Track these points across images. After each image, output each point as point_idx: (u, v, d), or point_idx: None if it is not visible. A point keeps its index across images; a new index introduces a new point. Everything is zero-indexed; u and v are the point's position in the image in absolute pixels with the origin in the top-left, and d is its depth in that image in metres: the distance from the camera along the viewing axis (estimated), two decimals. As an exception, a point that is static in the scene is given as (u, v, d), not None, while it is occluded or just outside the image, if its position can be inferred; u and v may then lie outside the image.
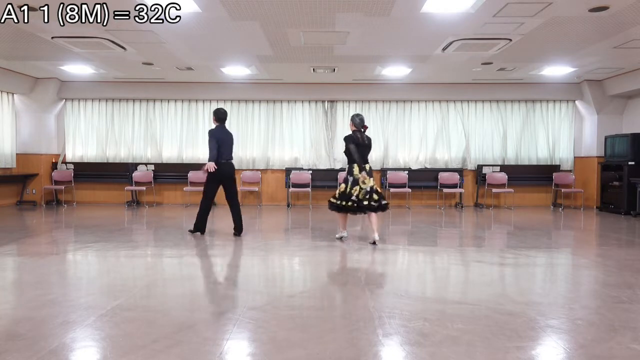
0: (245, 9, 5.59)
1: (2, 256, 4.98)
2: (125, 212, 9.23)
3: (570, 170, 10.64)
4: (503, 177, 10.27)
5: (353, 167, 5.64)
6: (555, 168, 10.60)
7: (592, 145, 10.33)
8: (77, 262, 4.94)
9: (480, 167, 10.48)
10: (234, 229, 6.27)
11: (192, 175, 10.36)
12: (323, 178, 10.37)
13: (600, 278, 4.24)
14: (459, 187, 10.25)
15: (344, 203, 5.63)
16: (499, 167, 10.47)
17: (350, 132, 5.74)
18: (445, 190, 10.15)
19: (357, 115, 5.79)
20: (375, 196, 5.62)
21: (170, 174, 10.60)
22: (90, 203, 10.73)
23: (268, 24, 6.13)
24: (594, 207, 10.18)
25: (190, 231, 6.40)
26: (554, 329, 2.88)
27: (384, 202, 5.68)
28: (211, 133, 6.14)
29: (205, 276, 4.41)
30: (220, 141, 6.10)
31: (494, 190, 10.19)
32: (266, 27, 6.26)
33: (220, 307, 3.36)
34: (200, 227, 6.30)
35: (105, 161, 10.83)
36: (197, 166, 10.54)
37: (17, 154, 10.32)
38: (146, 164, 10.60)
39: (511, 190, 10.12)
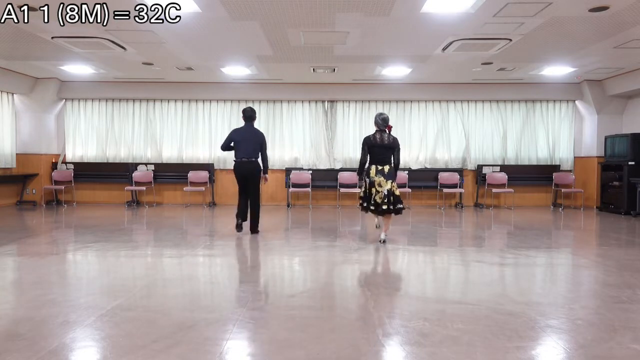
0: (245, 9, 5.59)
1: (2, 256, 4.98)
2: (125, 212, 9.23)
3: (570, 170, 10.64)
4: (503, 177, 10.27)
5: (370, 169, 5.64)
6: (555, 168, 10.59)
7: (592, 145, 10.33)
8: (77, 262, 4.94)
9: (480, 167, 10.48)
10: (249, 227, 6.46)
11: (192, 175, 10.37)
12: (323, 178, 10.37)
13: (600, 278, 4.24)
14: (459, 187, 10.24)
15: (365, 204, 5.68)
16: (499, 167, 10.47)
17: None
18: (445, 190, 10.15)
19: (379, 114, 5.70)
20: (391, 199, 5.53)
21: (170, 174, 10.60)
22: (90, 203, 10.73)
23: (268, 24, 6.13)
24: (594, 207, 10.18)
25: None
26: (554, 329, 2.89)
27: (399, 206, 5.57)
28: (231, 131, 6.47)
29: (205, 276, 4.41)
30: (234, 140, 6.26)
31: (494, 190, 10.19)
32: (266, 27, 6.26)
33: (221, 306, 3.36)
34: (237, 221, 6.37)
35: (105, 161, 10.83)
36: (197, 166, 10.57)
37: (17, 154, 10.31)
38: (146, 164, 10.60)
39: (511, 190, 10.12)
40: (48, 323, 2.90)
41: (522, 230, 7.19)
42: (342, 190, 10.09)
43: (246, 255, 5.27)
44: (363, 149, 5.68)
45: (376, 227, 6.21)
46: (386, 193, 5.49)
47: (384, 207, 5.49)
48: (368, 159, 5.69)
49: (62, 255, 5.22)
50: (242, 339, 2.74)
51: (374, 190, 5.54)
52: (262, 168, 6.36)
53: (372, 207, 5.58)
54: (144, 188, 10.31)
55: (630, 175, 9.07)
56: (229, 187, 10.73)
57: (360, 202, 5.83)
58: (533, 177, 10.57)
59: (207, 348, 2.55)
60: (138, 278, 4.22)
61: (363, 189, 5.77)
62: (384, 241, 5.72)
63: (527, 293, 3.75)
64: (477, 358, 2.45)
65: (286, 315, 3.11)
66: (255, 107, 10.70)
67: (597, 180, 10.10)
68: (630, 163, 9.09)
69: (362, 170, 5.79)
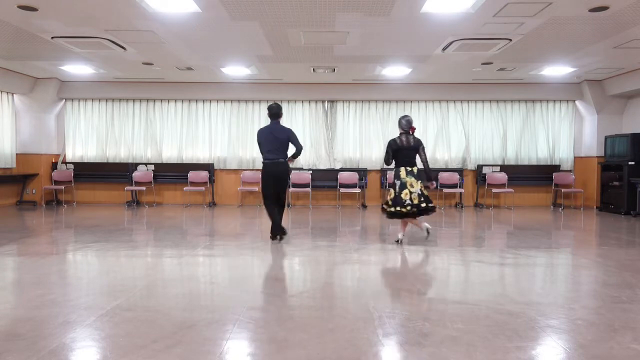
0: (245, 9, 5.59)
1: (2, 256, 4.98)
2: (125, 212, 9.23)
3: (570, 170, 10.64)
4: (503, 177, 10.27)
5: (400, 171, 5.69)
6: (555, 168, 10.60)
7: (592, 145, 10.33)
8: (77, 262, 4.94)
9: (480, 167, 10.48)
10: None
11: (192, 175, 10.37)
12: (323, 178, 10.37)
13: (600, 278, 4.24)
14: (459, 187, 10.25)
15: (400, 209, 5.60)
16: (499, 167, 10.47)
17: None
18: (445, 190, 10.15)
19: (404, 117, 5.78)
20: (422, 198, 5.65)
21: (170, 174, 10.60)
22: (90, 203, 10.73)
23: (268, 24, 6.13)
24: (594, 207, 10.18)
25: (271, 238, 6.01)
26: (554, 329, 2.88)
27: (430, 204, 5.70)
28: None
29: (205, 276, 4.41)
30: (259, 141, 6.00)
31: (494, 190, 10.19)
32: (266, 27, 6.26)
33: (220, 306, 3.36)
34: (271, 231, 5.95)
35: (105, 161, 10.84)
36: (197, 166, 10.57)
37: (17, 154, 10.32)
38: (146, 164, 10.60)
39: (511, 190, 10.12)
40: (48, 323, 2.90)
41: (522, 230, 7.19)
42: (342, 190, 10.09)
43: (246, 255, 5.26)
44: (387, 152, 5.75)
45: (398, 242, 5.76)
46: (419, 192, 5.62)
47: (423, 205, 5.60)
48: (394, 162, 5.77)
49: (62, 255, 5.22)
50: (242, 339, 2.73)
51: (406, 191, 5.60)
52: (290, 169, 6.12)
53: (409, 209, 5.55)
54: (144, 188, 10.31)
55: (630, 175, 9.07)
56: (229, 187, 10.74)
57: (387, 207, 5.71)
58: (533, 177, 10.57)
59: (207, 348, 2.55)
60: (138, 278, 4.22)
61: (392, 194, 5.72)
62: (428, 231, 5.92)
63: (527, 293, 3.74)
64: (477, 358, 2.45)
65: (286, 315, 3.11)
66: (255, 107, 10.75)
67: (597, 180, 10.10)
68: (630, 163, 9.09)
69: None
